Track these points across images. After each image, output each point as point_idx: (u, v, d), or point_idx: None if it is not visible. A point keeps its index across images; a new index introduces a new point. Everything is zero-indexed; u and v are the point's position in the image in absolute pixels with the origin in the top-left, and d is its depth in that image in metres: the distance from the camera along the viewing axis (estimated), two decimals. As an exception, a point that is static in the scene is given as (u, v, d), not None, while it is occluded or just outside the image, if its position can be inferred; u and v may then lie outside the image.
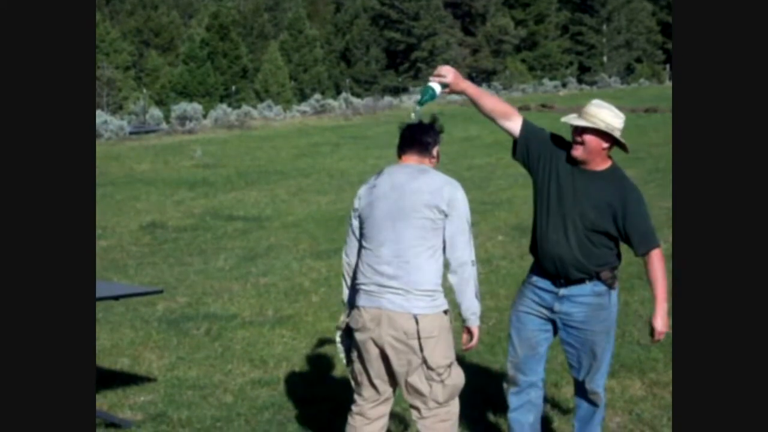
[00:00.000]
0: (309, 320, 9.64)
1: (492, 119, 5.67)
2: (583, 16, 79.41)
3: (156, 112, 39.04)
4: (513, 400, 5.78)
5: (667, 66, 75.27)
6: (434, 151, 5.36)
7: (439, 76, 5.55)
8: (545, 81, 61.28)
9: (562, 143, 5.56)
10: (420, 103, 5.52)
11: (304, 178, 21.17)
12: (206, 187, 20.11)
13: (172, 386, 7.75)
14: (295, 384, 7.76)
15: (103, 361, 8.24)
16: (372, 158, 24.34)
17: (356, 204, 5.34)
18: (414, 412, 5.28)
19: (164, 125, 35.52)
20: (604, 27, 79.28)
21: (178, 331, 9.32)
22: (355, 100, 44.91)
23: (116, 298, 7.47)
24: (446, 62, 66.03)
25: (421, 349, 5.07)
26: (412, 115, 5.51)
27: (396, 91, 62.01)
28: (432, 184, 5.14)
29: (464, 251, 5.14)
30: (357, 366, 5.31)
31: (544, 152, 5.55)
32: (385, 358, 5.15)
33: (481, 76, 72.44)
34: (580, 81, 66.78)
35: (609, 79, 64.47)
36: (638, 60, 79.35)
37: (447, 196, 5.11)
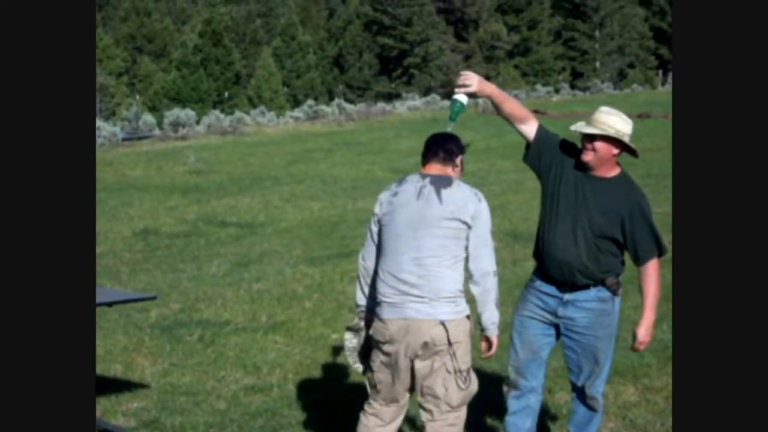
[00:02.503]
0: (302, 326, 9.63)
1: (509, 122, 5.72)
2: (575, 22, 79.45)
3: (149, 118, 38.99)
4: (512, 404, 5.82)
5: (660, 71, 75.33)
6: (458, 161, 5.39)
7: (463, 85, 5.57)
8: (538, 87, 61.28)
9: (573, 150, 5.60)
10: (451, 118, 5.56)
11: (297, 184, 21.17)
12: (199, 193, 20.10)
13: (165, 393, 7.74)
14: (288, 390, 7.76)
15: (96, 367, 8.22)
16: (365, 164, 24.35)
17: (377, 209, 5.35)
18: (425, 414, 5.29)
19: (157, 131, 35.47)
20: (597, 33, 79.34)
21: (171, 337, 9.31)
22: (348, 106, 44.90)
23: (110, 304, 7.46)
24: (439, 68, 65.35)
25: (453, 355, 5.12)
26: (448, 130, 5.54)
27: (389, 97, 62.03)
28: (456, 196, 5.18)
29: (487, 262, 5.20)
30: (379, 375, 5.31)
31: (556, 159, 5.59)
32: (412, 366, 5.19)
33: (474, 82, 72.33)
34: (573, 87, 66.77)
35: (602, 84, 64.48)
36: (631, 65, 79.40)
37: (472, 209, 5.16)
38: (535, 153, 5.68)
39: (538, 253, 5.71)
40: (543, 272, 5.67)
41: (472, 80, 5.58)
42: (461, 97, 5.58)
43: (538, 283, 5.69)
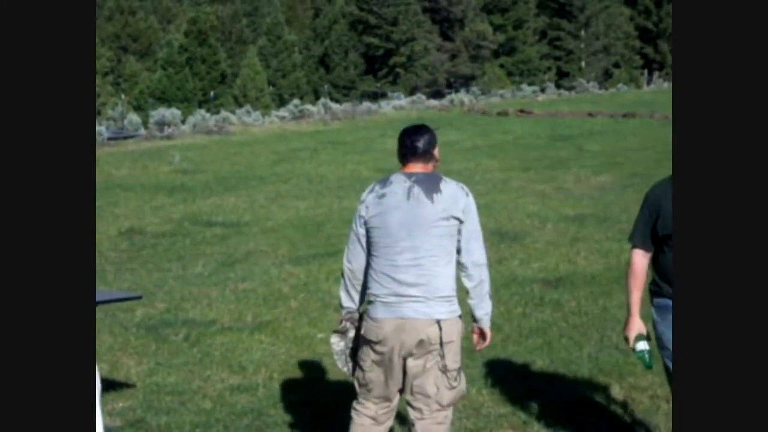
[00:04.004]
0: (288, 326, 9.63)
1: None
2: (561, 22, 79.58)
3: (134, 117, 38.85)
4: None
5: (645, 71, 75.54)
6: (436, 154, 5.40)
7: (636, 339, 5.55)
8: (524, 86, 61.34)
9: (663, 187, 5.51)
10: (649, 366, 5.59)
11: (282, 184, 21.15)
12: (185, 192, 20.06)
13: (151, 392, 7.73)
14: (273, 390, 7.76)
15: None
16: (351, 163, 24.34)
17: (362, 212, 5.33)
18: (414, 413, 5.31)
19: (143, 131, 35.36)
20: (582, 32, 79.48)
21: (156, 337, 9.29)
22: (334, 106, 44.88)
23: (95, 304, 7.45)
24: (425, 68, 64.79)
25: (443, 355, 5.15)
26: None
27: (375, 97, 62.00)
28: (446, 194, 5.21)
29: (480, 254, 5.27)
30: (370, 375, 5.31)
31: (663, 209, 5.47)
32: (405, 365, 5.21)
33: (459, 82, 72.49)
34: (558, 86, 66.88)
35: (587, 84, 64.58)
36: (616, 65, 79.58)
37: (462, 203, 5.21)
38: (648, 232, 5.58)
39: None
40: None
41: (630, 333, 5.56)
42: (642, 345, 5.55)
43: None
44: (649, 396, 7.23)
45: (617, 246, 12.14)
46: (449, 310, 5.17)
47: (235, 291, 11.21)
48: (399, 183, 5.27)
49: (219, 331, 9.52)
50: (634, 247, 5.60)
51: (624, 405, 7.16)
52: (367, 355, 5.28)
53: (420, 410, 5.27)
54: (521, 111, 39.23)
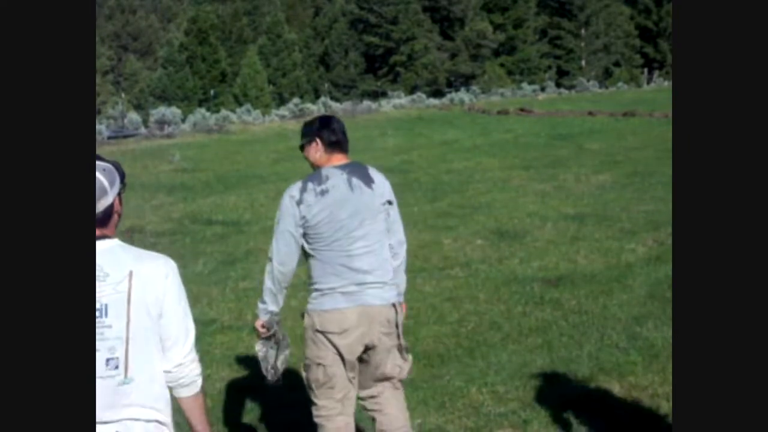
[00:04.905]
0: (288, 325, 9.56)
1: None
2: (561, 21, 79.66)
3: (134, 116, 38.93)
4: None
5: (645, 70, 75.55)
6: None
7: None
8: (524, 85, 61.40)
9: None
10: None
11: (283, 183, 21.11)
12: (185, 191, 20.06)
13: (151, 391, 7.72)
14: (274, 388, 7.75)
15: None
16: (351, 162, 24.34)
17: (303, 212, 5.26)
18: (380, 395, 5.45)
19: (143, 130, 35.43)
20: (583, 31, 79.55)
21: (156, 335, 9.28)
22: (334, 105, 44.96)
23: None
24: (425, 67, 65.08)
25: (398, 335, 5.35)
26: None
27: (375, 96, 62.05)
28: (378, 180, 5.35)
29: (402, 234, 5.49)
30: (332, 369, 5.33)
31: None
32: (364, 353, 5.30)
33: (459, 81, 72.51)
34: (558, 85, 66.94)
35: (587, 83, 64.61)
36: (616, 64, 79.65)
37: (388, 187, 5.39)
38: None
39: None
40: None
41: None
42: None
43: None
44: (649, 395, 7.23)
45: (617, 245, 12.13)
46: (398, 293, 5.38)
47: (235, 290, 11.20)
48: (336, 177, 5.27)
49: (219, 329, 9.52)
50: None
51: (624, 404, 7.16)
52: (327, 350, 5.29)
53: (385, 390, 5.44)
54: (521, 110, 39.21)
